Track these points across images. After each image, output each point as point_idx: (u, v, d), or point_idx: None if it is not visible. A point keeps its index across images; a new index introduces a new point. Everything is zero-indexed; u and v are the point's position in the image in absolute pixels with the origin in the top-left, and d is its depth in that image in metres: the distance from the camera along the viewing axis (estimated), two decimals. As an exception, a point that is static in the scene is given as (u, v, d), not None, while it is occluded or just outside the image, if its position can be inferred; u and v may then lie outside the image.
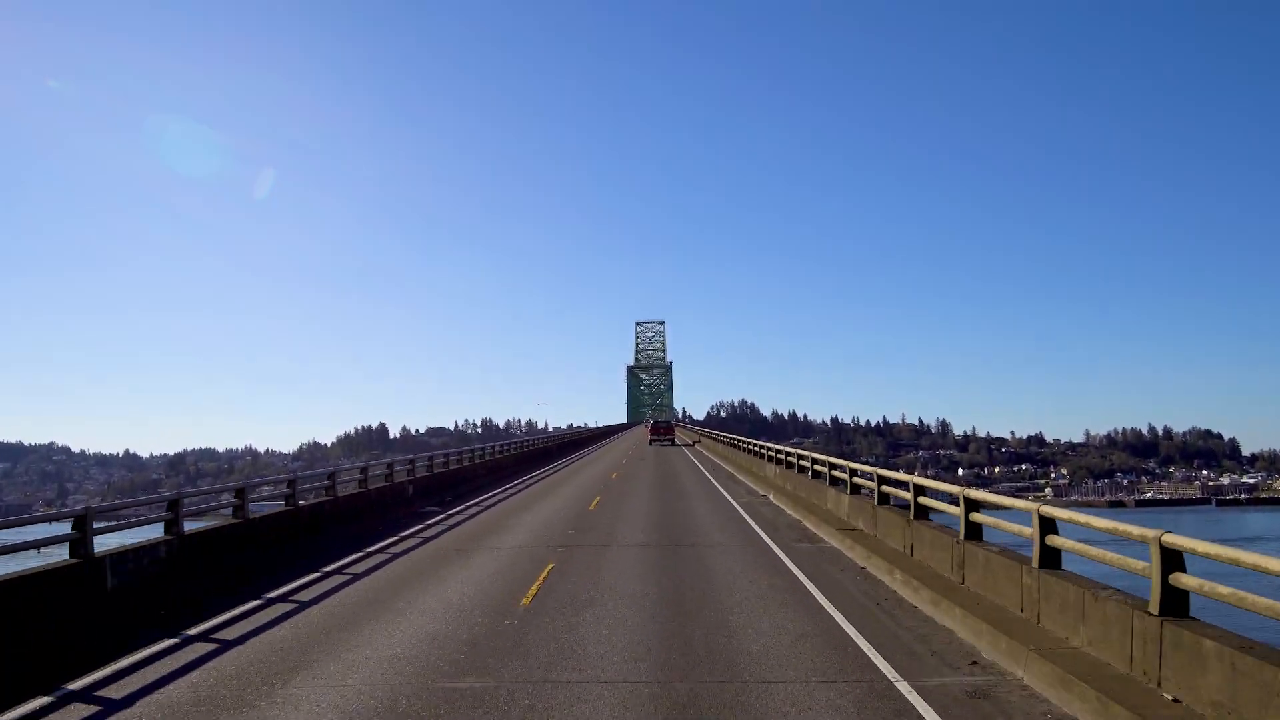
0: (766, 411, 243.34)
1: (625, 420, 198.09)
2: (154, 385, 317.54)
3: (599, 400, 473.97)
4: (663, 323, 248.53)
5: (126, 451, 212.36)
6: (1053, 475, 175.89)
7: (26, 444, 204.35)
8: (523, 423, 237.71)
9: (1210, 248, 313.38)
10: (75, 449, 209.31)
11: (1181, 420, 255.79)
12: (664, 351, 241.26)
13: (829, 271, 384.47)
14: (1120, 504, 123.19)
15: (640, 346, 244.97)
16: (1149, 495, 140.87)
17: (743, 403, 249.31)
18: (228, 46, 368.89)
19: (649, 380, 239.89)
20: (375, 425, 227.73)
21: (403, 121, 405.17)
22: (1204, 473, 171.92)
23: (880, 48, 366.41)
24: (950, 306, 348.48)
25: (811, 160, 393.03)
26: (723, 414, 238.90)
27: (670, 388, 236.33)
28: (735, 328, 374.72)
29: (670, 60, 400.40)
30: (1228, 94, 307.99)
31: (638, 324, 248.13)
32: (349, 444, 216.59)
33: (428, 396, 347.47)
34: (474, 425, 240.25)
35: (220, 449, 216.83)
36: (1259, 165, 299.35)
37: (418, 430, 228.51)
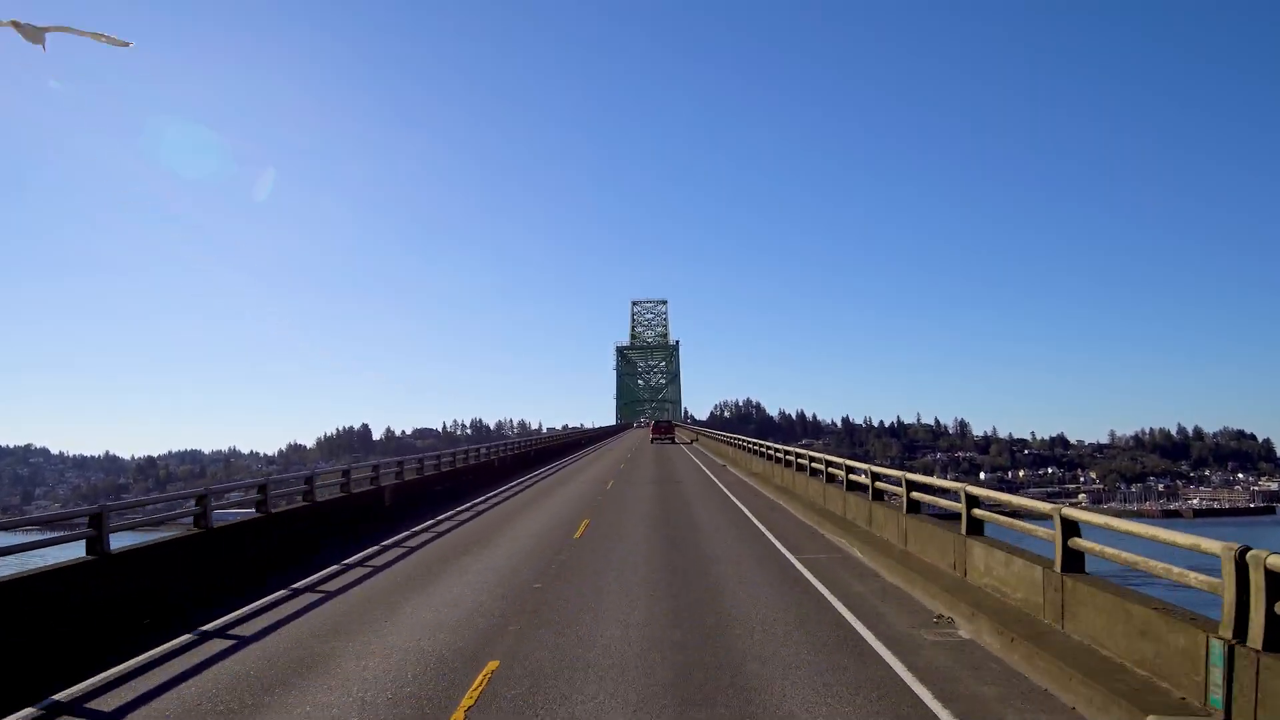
0: (773, 411, 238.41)
1: (614, 421, 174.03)
2: (144, 386, 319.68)
3: (596, 400, 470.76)
4: (664, 302, 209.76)
5: (107, 453, 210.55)
6: (1081, 479, 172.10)
7: (3, 446, 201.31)
8: (515, 423, 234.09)
9: (1227, 245, 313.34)
10: (54, 451, 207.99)
11: (1207, 419, 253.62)
12: (666, 335, 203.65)
13: (838, 269, 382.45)
14: (1175, 514, 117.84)
15: (637, 331, 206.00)
16: (1195, 502, 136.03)
17: (748, 402, 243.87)
18: (228, 48, 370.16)
19: (648, 365, 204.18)
20: (358, 426, 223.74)
21: (400, 120, 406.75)
22: (1239, 475, 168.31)
23: (908, 33, 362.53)
24: (963, 304, 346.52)
25: (820, 158, 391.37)
26: (726, 414, 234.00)
27: (676, 376, 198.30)
28: (740, 324, 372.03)
29: (669, 59, 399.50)
30: (1237, 96, 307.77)
31: (634, 303, 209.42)
32: (330, 446, 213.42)
33: (419, 396, 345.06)
34: (463, 426, 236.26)
35: (206, 450, 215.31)
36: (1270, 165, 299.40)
37: (403, 431, 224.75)
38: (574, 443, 76.42)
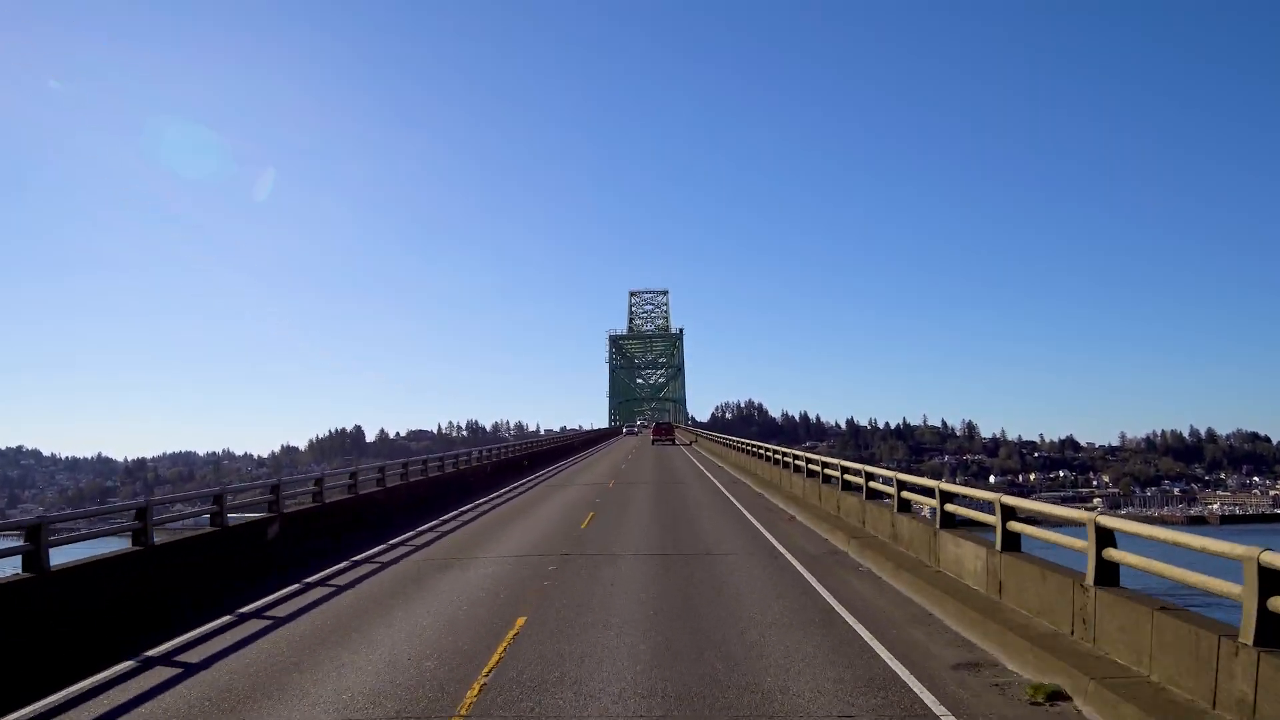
0: (776, 413, 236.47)
1: (607, 423, 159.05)
2: (142, 385, 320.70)
3: (596, 401, 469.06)
4: (665, 292, 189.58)
5: (99, 455, 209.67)
6: (1094, 482, 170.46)
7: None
8: (511, 425, 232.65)
9: (1227, 245, 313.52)
10: (46, 452, 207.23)
11: (1216, 420, 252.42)
12: (667, 327, 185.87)
13: (838, 268, 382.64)
14: (1201, 519, 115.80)
15: (635, 324, 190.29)
16: (1215, 507, 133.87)
17: (750, 403, 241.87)
18: (228, 48, 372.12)
19: (647, 359, 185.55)
20: (350, 428, 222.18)
21: (400, 120, 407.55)
22: (1255, 479, 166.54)
23: (908, 33, 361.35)
24: (964, 304, 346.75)
25: (820, 158, 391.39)
26: (728, 415, 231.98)
27: (680, 369, 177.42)
28: (741, 325, 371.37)
29: (669, 59, 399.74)
30: (1237, 96, 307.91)
31: (632, 294, 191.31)
32: (321, 448, 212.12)
33: (418, 396, 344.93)
34: (459, 428, 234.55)
35: (201, 452, 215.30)
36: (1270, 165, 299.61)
37: (398, 433, 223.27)
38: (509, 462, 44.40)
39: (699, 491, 31.07)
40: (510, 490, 33.20)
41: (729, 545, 17.96)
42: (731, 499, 27.97)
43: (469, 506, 26.64)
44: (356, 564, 16.67)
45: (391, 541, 19.35)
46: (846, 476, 20.07)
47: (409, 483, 26.30)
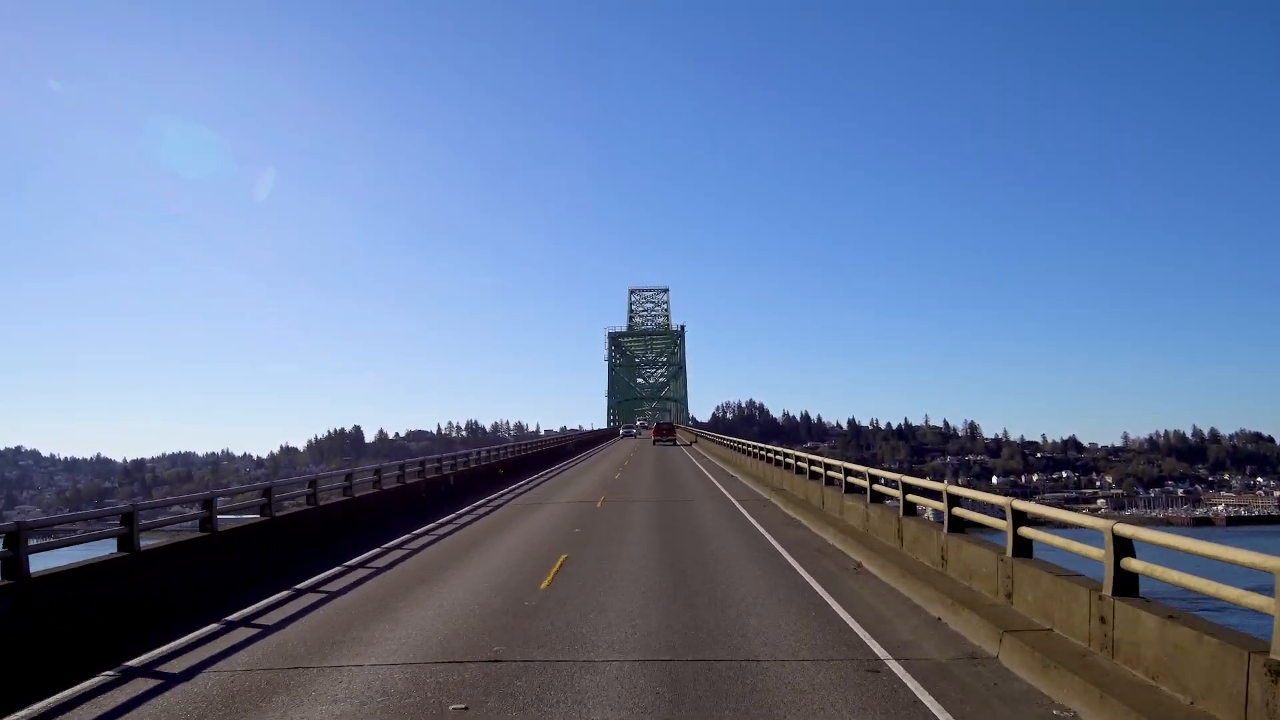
0: (777, 413, 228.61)
1: (606, 423, 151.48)
2: (141, 385, 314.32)
3: (596, 401, 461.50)
4: (665, 290, 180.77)
5: (98, 455, 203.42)
6: (1097, 483, 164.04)
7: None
8: (511, 424, 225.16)
9: (1227, 245, 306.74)
10: (45, 453, 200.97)
11: (1219, 420, 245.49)
12: (668, 325, 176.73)
13: (839, 268, 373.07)
14: (1206, 521, 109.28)
15: (635, 322, 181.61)
16: (1220, 508, 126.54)
17: (750, 403, 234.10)
18: (228, 48, 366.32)
19: (647, 357, 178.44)
20: (350, 428, 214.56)
21: (400, 120, 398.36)
22: (1259, 480, 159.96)
23: (908, 33, 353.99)
24: (964, 304, 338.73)
25: (820, 158, 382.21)
26: (729, 416, 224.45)
27: (682, 367, 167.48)
28: (741, 325, 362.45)
29: (669, 59, 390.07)
30: (1237, 96, 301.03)
31: (632, 291, 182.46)
32: (320, 448, 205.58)
33: (419, 397, 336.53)
34: (458, 428, 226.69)
35: (200, 452, 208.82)
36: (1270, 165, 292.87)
37: (397, 434, 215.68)
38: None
39: (714, 517, 23.34)
40: (469, 511, 25.42)
41: (782, 638, 10.20)
42: (761, 531, 20.12)
43: (396, 542, 18.73)
44: (131, 674, 9.12)
45: (230, 619, 11.59)
46: (957, 511, 12.11)
47: (319, 507, 18.59)
